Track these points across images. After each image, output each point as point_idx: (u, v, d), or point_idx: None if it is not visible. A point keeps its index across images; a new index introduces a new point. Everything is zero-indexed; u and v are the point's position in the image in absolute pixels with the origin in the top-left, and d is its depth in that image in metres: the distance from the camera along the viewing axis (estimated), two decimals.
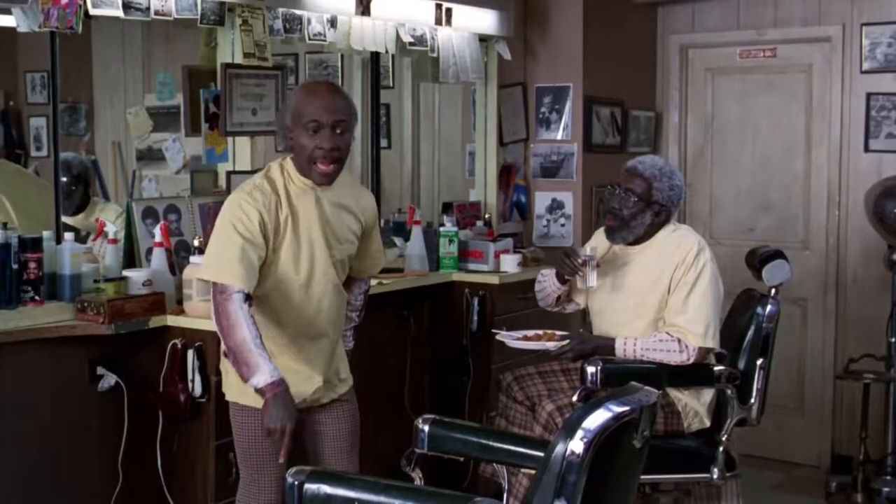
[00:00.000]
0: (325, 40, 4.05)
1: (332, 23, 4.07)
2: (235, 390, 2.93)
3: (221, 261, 2.77)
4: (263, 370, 2.68)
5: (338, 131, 2.82)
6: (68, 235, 3.30)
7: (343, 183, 2.97)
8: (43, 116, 3.80)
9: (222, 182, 3.79)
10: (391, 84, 5.04)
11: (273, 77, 3.83)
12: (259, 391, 2.70)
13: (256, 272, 2.79)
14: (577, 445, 1.92)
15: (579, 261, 3.49)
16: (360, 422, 3.13)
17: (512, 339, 3.61)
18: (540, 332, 3.63)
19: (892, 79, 5.00)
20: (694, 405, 3.46)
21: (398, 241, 4.62)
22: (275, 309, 2.90)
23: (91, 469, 3.37)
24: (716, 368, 3.44)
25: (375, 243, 3.17)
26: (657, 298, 3.47)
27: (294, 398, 2.77)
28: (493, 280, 4.44)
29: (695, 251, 3.46)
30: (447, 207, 4.91)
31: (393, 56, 4.74)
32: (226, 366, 2.94)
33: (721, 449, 3.41)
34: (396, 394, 4.31)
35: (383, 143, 4.81)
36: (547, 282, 3.73)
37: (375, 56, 4.50)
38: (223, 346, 2.80)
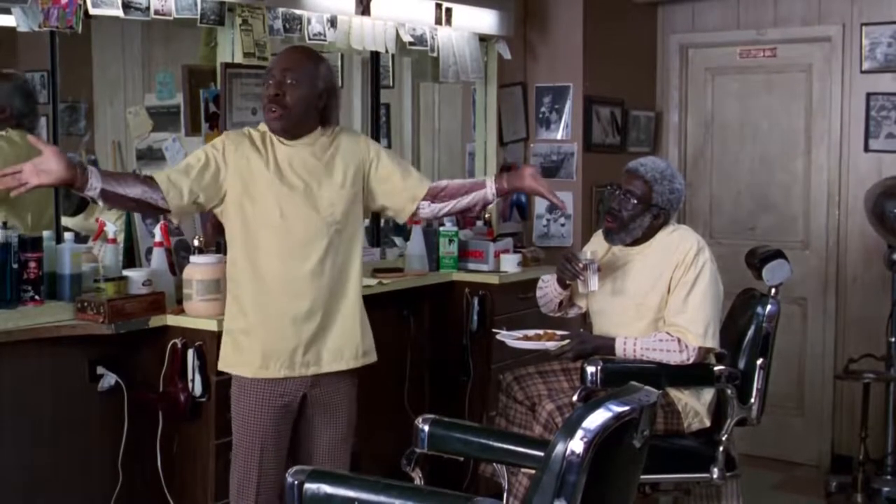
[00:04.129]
0: (325, 40, 4.05)
1: (332, 22, 4.08)
2: (227, 359, 3.02)
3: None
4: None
5: (288, 81, 2.90)
6: (68, 236, 3.31)
7: (322, 143, 3.02)
8: (43, 116, 3.80)
9: None
10: (391, 84, 5.04)
11: None
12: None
13: (186, 180, 2.87)
14: (577, 445, 1.92)
15: (580, 265, 3.48)
16: (355, 418, 3.15)
17: (512, 338, 3.61)
18: (540, 331, 3.63)
19: (892, 79, 5.00)
20: (694, 405, 3.46)
21: (398, 240, 4.63)
22: (248, 258, 2.94)
23: (91, 469, 3.37)
24: (716, 368, 3.44)
25: (398, 172, 3.10)
26: (657, 299, 3.47)
27: (289, 368, 2.95)
28: (493, 280, 4.44)
29: (694, 251, 3.45)
30: None
31: (393, 56, 4.74)
32: (223, 336, 3.05)
33: (721, 449, 3.41)
34: (396, 394, 4.31)
35: (383, 142, 4.80)
36: (548, 287, 3.72)
37: (375, 56, 4.50)
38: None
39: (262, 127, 3.01)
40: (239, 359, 2.98)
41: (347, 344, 3.05)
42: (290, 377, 2.96)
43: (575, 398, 3.30)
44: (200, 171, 2.90)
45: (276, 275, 2.93)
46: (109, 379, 3.35)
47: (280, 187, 2.93)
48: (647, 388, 2.14)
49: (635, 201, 3.49)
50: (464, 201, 3.13)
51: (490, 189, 3.12)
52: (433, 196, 3.11)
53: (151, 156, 4.56)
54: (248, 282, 2.95)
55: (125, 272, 3.36)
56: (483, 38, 4.89)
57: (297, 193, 2.94)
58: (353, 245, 3.04)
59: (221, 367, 3.04)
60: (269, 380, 2.95)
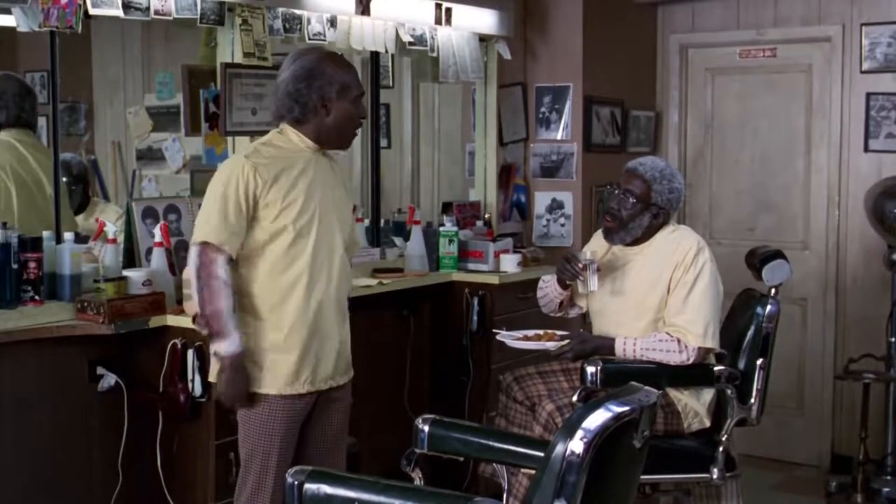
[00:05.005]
0: (324, 40, 4.04)
1: (332, 22, 4.07)
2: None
3: (211, 222, 2.83)
4: (230, 339, 2.81)
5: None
6: (68, 236, 3.31)
7: (333, 156, 3.09)
8: (43, 116, 3.79)
9: None
10: (391, 84, 5.04)
11: (273, 77, 3.81)
12: (220, 357, 2.84)
13: (242, 236, 2.85)
14: (577, 445, 1.92)
15: (580, 265, 3.49)
16: (349, 414, 3.16)
17: (512, 339, 3.61)
18: (540, 332, 3.63)
19: (892, 79, 5.00)
20: (694, 405, 3.46)
21: (398, 241, 4.62)
22: (286, 272, 2.90)
23: (91, 469, 3.37)
24: (716, 368, 3.44)
25: (355, 226, 3.24)
26: (657, 299, 3.47)
27: (311, 384, 2.94)
28: (493, 280, 4.44)
29: (694, 251, 3.46)
30: (447, 207, 4.91)
31: (393, 56, 4.74)
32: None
33: (721, 449, 3.41)
34: (396, 394, 4.31)
35: (383, 143, 4.80)
36: (549, 287, 3.73)
37: (375, 56, 4.50)
38: (193, 308, 2.89)
39: (274, 138, 2.98)
40: (260, 377, 2.92)
41: (349, 356, 3.10)
42: (311, 391, 2.97)
43: (575, 398, 3.30)
44: (241, 218, 2.85)
45: (310, 292, 2.91)
46: (109, 379, 3.35)
47: (315, 203, 2.92)
48: (646, 388, 2.14)
49: (634, 200, 3.50)
50: None
51: None
52: None
53: (151, 156, 4.57)
54: (280, 301, 2.90)
55: (125, 272, 3.36)
56: (483, 38, 4.88)
57: (329, 209, 2.96)
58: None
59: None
60: (290, 395, 2.94)
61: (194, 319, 2.89)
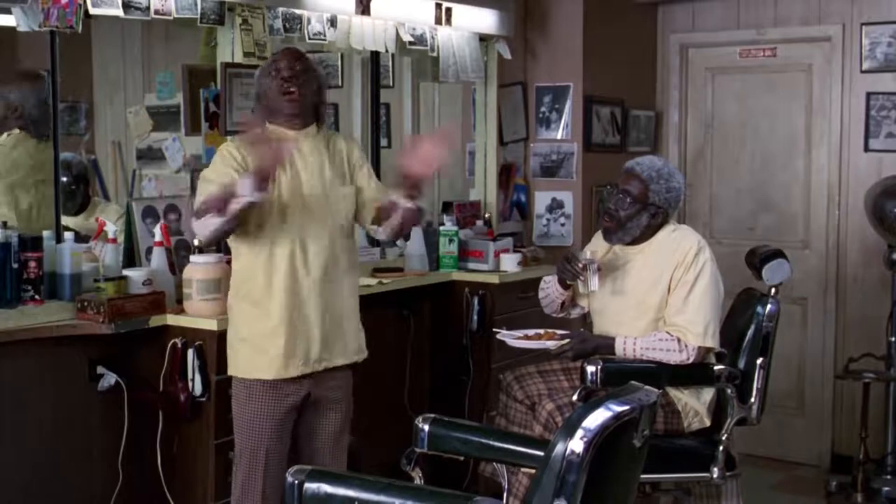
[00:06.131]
0: (325, 40, 4.05)
1: (332, 22, 4.07)
2: (242, 366, 3.02)
3: (208, 182, 2.94)
4: (237, 183, 2.80)
5: (297, 70, 3.02)
6: (69, 235, 3.31)
7: (318, 135, 3.10)
8: None
9: None
10: (391, 83, 5.04)
11: None
12: (251, 186, 2.78)
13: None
14: (577, 445, 1.92)
15: (580, 265, 3.49)
16: (352, 411, 3.18)
17: (512, 338, 3.61)
18: (540, 331, 3.63)
19: (892, 79, 5.00)
20: (694, 405, 3.46)
21: (398, 240, 4.62)
22: (267, 258, 2.96)
23: (91, 469, 3.37)
24: (716, 368, 3.44)
25: (373, 179, 3.20)
26: (657, 298, 3.47)
27: (295, 354, 2.98)
28: (493, 279, 4.44)
29: (694, 251, 3.45)
30: (447, 207, 4.91)
31: (393, 55, 4.74)
32: (233, 344, 3.05)
33: (721, 448, 3.41)
34: (396, 393, 4.31)
35: (383, 142, 4.80)
36: (550, 288, 3.73)
37: (375, 55, 4.50)
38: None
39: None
40: (258, 363, 2.98)
41: (352, 338, 3.12)
42: (304, 375, 3.00)
43: (575, 398, 3.30)
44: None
45: (298, 274, 2.97)
46: (109, 378, 3.35)
47: (299, 186, 2.99)
48: (647, 387, 2.14)
49: (631, 200, 3.50)
50: (395, 220, 3.11)
51: (397, 198, 3.08)
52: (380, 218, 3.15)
53: (151, 156, 4.56)
54: (267, 285, 2.96)
55: (125, 272, 3.36)
56: (483, 38, 4.88)
57: (315, 193, 3.01)
58: (355, 239, 3.16)
59: (239, 374, 3.03)
60: (277, 382, 2.97)
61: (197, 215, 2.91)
